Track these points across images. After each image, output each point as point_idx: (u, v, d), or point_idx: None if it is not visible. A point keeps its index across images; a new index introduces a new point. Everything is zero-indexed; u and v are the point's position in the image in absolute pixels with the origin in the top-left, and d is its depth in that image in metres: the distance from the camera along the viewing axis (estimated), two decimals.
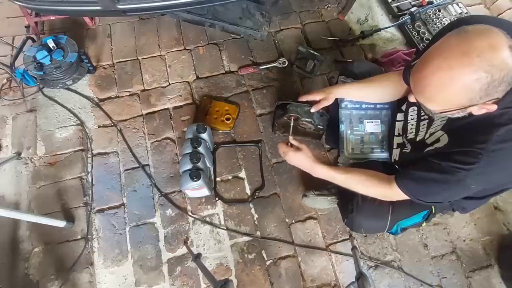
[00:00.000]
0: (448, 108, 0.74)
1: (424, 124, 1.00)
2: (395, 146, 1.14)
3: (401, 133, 1.13)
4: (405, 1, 1.91)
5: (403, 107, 1.13)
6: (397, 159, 1.12)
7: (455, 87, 0.69)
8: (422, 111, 1.01)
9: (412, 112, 1.06)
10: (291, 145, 1.13)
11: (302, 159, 1.10)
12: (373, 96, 1.19)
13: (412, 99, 0.84)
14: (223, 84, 1.69)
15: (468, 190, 0.87)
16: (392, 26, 1.87)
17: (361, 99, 1.23)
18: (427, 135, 0.97)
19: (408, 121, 1.07)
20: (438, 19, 1.82)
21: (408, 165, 0.96)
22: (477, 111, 0.74)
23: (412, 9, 1.85)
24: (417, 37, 1.78)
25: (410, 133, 1.06)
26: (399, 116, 1.15)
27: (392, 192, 0.96)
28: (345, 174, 1.05)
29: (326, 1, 1.95)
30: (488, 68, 0.65)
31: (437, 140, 0.91)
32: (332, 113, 1.32)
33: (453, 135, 0.86)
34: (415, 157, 0.98)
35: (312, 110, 1.23)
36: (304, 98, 1.23)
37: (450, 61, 0.68)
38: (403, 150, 1.08)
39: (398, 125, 1.15)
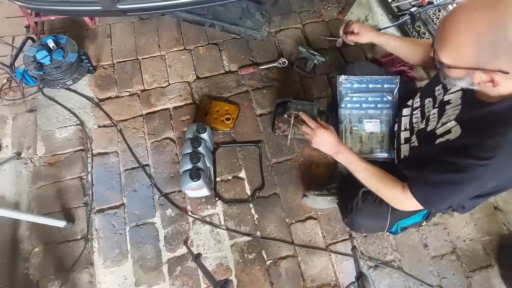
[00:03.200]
0: (456, 62, 0.72)
1: (434, 114, 0.97)
2: (403, 142, 1.12)
3: (408, 128, 1.11)
4: (405, 1, 1.91)
5: (415, 102, 1.09)
6: (407, 155, 1.08)
7: (468, 32, 0.68)
8: (436, 101, 0.98)
9: (428, 104, 1.03)
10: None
11: (330, 137, 1.09)
12: (404, 52, 1.16)
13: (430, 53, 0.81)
14: (223, 84, 1.69)
15: (484, 187, 0.83)
16: (392, 26, 1.87)
17: (392, 51, 1.19)
18: (439, 125, 0.92)
19: (426, 113, 1.03)
20: (438, 19, 1.82)
21: (418, 163, 0.92)
22: (480, 79, 0.71)
23: (412, 9, 1.85)
24: (417, 37, 1.78)
25: (422, 123, 1.02)
26: (405, 111, 1.14)
27: (402, 198, 0.94)
28: (365, 164, 1.03)
29: (326, 1, 1.95)
30: (507, 20, 0.63)
31: (449, 131, 0.87)
32: (332, 111, 1.32)
33: (467, 127, 0.82)
34: (425, 152, 0.95)
35: (341, 38, 1.18)
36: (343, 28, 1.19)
37: (476, 4, 0.67)
38: (412, 145, 1.05)
39: (405, 120, 1.13)
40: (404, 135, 1.12)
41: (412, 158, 1.05)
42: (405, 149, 1.10)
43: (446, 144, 0.86)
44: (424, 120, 1.00)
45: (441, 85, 0.97)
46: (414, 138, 1.04)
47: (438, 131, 0.91)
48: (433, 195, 0.89)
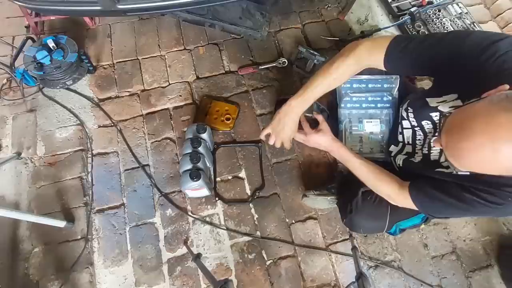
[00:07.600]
0: (480, 171, 0.67)
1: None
2: (404, 152, 1.09)
3: (410, 142, 1.06)
4: (405, 1, 1.91)
5: (411, 120, 1.02)
6: (401, 164, 1.08)
7: (495, 163, 0.62)
8: (437, 129, 0.93)
9: (428, 126, 0.97)
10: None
11: (324, 139, 1.10)
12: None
13: (437, 146, 0.74)
14: (223, 84, 1.69)
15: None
16: (392, 26, 1.87)
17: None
18: (443, 159, 0.90)
19: (428, 135, 0.98)
20: (438, 19, 1.81)
21: (414, 172, 0.93)
22: None
23: (412, 9, 1.84)
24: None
25: (424, 147, 0.99)
26: (406, 124, 1.07)
27: (398, 196, 0.95)
28: (361, 160, 1.04)
29: (326, 1, 1.96)
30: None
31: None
32: (332, 110, 1.31)
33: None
34: (423, 169, 0.95)
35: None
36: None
37: (496, 145, 0.59)
38: (411, 159, 1.04)
39: (407, 133, 1.07)
40: (407, 149, 1.09)
41: (406, 168, 1.05)
42: (400, 158, 1.09)
43: (451, 175, 0.86)
44: (426, 145, 0.98)
45: (439, 112, 0.91)
46: (418, 158, 1.01)
47: (445, 164, 0.89)
48: (432, 207, 0.91)
